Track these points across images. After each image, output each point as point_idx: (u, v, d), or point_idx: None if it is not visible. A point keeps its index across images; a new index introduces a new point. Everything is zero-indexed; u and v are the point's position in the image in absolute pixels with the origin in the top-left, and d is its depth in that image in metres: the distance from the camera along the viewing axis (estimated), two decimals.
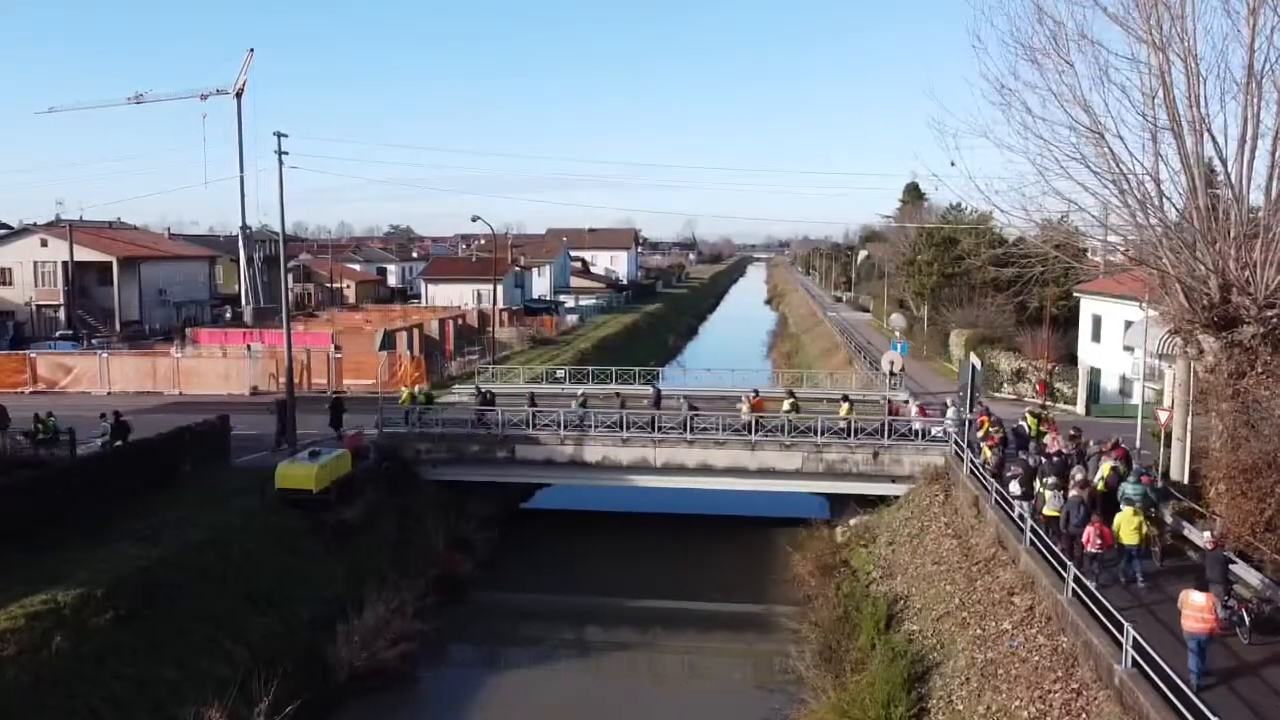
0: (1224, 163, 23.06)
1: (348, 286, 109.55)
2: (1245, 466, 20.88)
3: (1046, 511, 23.35)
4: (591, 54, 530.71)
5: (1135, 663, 16.30)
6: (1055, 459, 25.71)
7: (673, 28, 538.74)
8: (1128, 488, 22.79)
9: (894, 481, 33.45)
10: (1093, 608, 18.76)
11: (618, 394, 39.11)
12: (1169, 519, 24.09)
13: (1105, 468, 24.69)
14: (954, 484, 30.67)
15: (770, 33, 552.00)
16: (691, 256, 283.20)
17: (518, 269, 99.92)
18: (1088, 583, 19.53)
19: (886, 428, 34.06)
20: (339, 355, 50.63)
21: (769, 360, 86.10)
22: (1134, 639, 16.40)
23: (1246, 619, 18.48)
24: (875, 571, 28.94)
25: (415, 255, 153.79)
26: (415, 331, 58.40)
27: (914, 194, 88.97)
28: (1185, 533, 23.42)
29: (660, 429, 34.44)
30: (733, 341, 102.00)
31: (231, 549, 25.65)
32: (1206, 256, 23.22)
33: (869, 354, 61.60)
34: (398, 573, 28.40)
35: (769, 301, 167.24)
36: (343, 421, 36.04)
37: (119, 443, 30.44)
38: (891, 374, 39.50)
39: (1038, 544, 22.29)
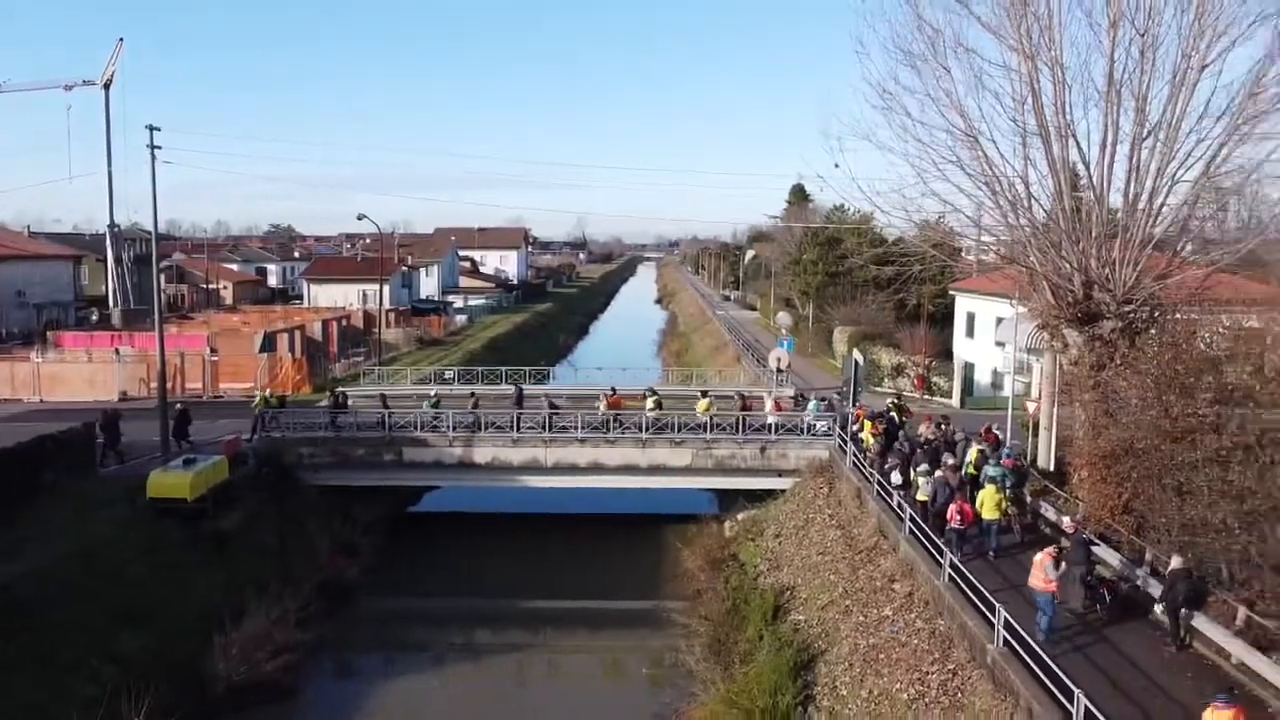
0: (1087, 166, 24.40)
1: (225, 287, 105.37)
2: (1105, 453, 22.08)
3: (920, 497, 24.73)
4: (481, 53, 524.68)
5: (1006, 642, 17.07)
6: (925, 447, 27.23)
7: (563, 28, 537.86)
8: (990, 469, 24.85)
9: (780, 475, 34.16)
10: (967, 591, 19.54)
11: (472, 394, 39.01)
12: (1029, 499, 25.69)
13: (973, 452, 26.75)
14: (838, 477, 31.50)
15: (663, 35, 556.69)
16: (582, 256, 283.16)
17: (405, 269, 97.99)
18: (962, 567, 20.32)
19: (775, 424, 34.81)
20: (215, 358, 48.70)
21: (660, 358, 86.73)
22: (1005, 620, 17.17)
23: (1108, 597, 19.62)
24: (763, 564, 29.47)
25: (297, 255, 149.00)
26: (297, 333, 56.60)
27: (800, 195, 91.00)
28: (1044, 511, 25.04)
29: (549, 428, 34.34)
30: (624, 340, 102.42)
31: (100, 562, 24.40)
32: (1071, 255, 24.51)
33: (756, 351, 62.71)
34: (279, 581, 27.49)
35: (659, 300, 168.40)
36: (188, 433, 34.19)
37: None
38: (779, 370, 40.24)
39: (916, 532, 23.15)
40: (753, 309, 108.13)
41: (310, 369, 51.09)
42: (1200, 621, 17.69)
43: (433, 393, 39.38)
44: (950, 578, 20.29)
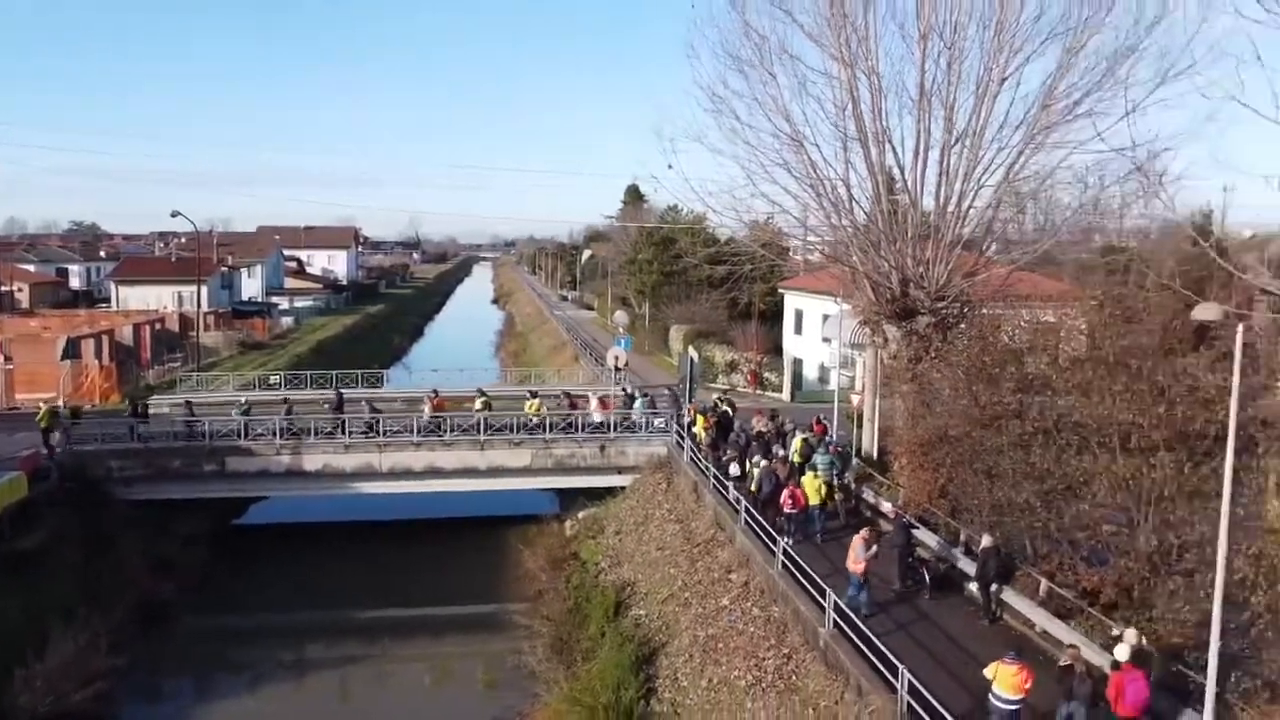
0: (902, 171, 25.78)
1: (19, 289, 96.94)
2: (922, 441, 23.41)
3: (754, 487, 25.70)
4: (310, 49, 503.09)
5: (836, 624, 17.84)
6: (760, 438, 28.60)
7: (392, 24, 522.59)
8: (817, 458, 26.23)
9: (620, 473, 34.49)
10: (800, 578, 20.31)
11: (285, 400, 37.72)
12: (852, 485, 27.28)
13: (797, 441, 28.21)
14: (676, 472, 32.07)
15: (501, 34, 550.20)
16: (416, 256, 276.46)
17: (225, 269, 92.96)
18: (794, 555, 21.11)
19: (612, 422, 35.11)
20: (10, 366, 44.83)
21: (498, 359, 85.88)
22: (834, 603, 17.95)
23: (927, 576, 20.82)
24: (604, 561, 29.66)
25: (103, 254, 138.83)
26: (105, 338, 52.73)
27: (635, 195, 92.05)
28: (866, 496, 26.61)
29: (380, 432, 33.42)
30: (461, 341, 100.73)
31: None
32: (889, 255, 25.85)
33: (595, 350, 63.03)
34: (88, 604, 25.51)
35: (496, 301, 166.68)
36: None
37: None
38: (616, 369, 40.47)
39: (751, 523, 23.87)
40: (590, 308, 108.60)
41: (120, 376, 47.81)
42: (1009, 595, 19.01)
43: (243, 399, 37.51)
44: (784, 565, 21.04)
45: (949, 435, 22.17)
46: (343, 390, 39.72)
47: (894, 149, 25.68)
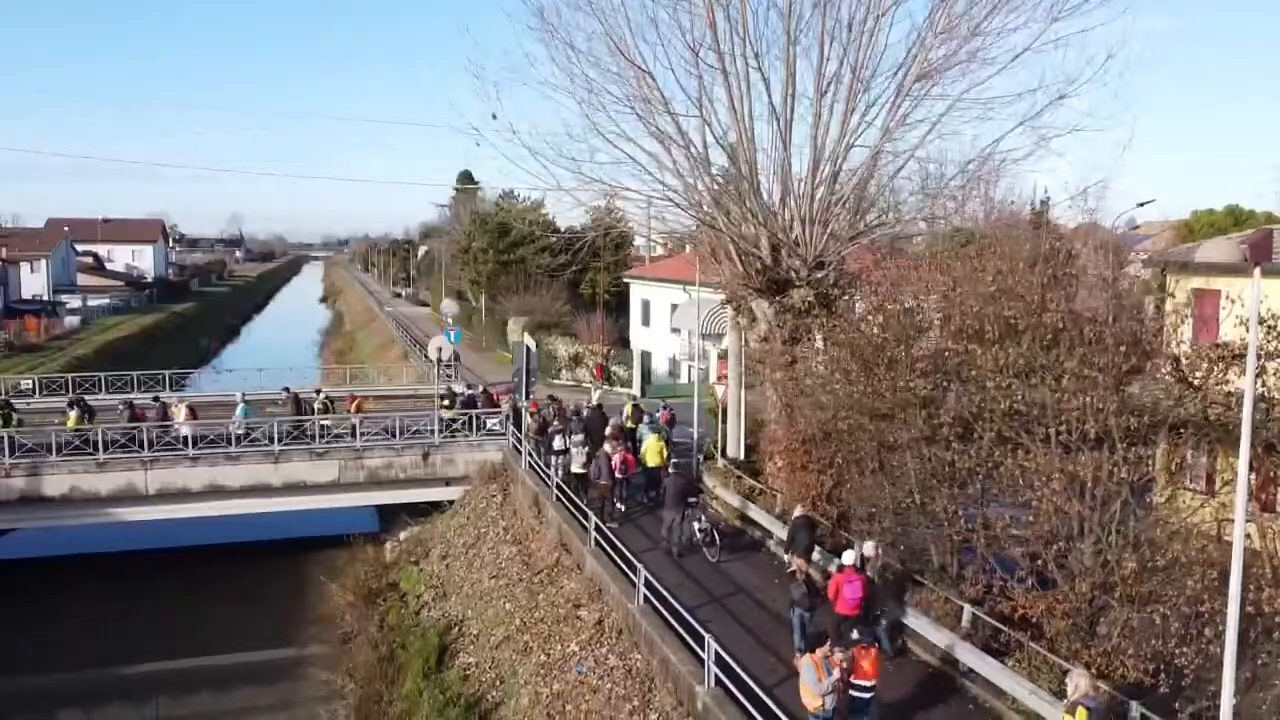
0: (775, 115, 21.65)
1: None
2: (805, 438, 19.58)
3: (575, 469, 23.71)
4: (136, 34, 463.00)
5: (719, 681, 13.61)
6: (576, 417, 26.86)
7: (219, 14, 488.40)
8: (644, 429, 25.62)
9: (448, 484, 29.42)
10: (667, 614, 16.00)
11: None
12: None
13: (628, 408, 28.21)
14: (513, 481, 27.33)
15: (328, 20, 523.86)
16: (238, 254, 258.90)
17: None
18: (659, 587, 16.81)
19: (438, 423, 29.97)
20: None
21: (321, 359, 78.76)
22: (716, 653, 13.68)
23: (718, 538, 20.04)
24: (428, 593, 24.55)
25: None
26: None
27: (467, 180, 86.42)
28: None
29: (148, 446, 27.01)
30: (281, 341, 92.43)
31: None
32: (758, 212, 21.83)
33: (424, 347, 57.24)
34: None
35: (325, 299, 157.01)
36: None
37: None
38: (440, 361, 34.92)
39: (603, 543, 19.48)
40: (425, 305, 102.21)
41: None
42: (922, 623, 15.22)
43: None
44: (646, 599, 16.70)
45: (838, 429, 18.29)
46: None
47: (764, 81, 21.56)
